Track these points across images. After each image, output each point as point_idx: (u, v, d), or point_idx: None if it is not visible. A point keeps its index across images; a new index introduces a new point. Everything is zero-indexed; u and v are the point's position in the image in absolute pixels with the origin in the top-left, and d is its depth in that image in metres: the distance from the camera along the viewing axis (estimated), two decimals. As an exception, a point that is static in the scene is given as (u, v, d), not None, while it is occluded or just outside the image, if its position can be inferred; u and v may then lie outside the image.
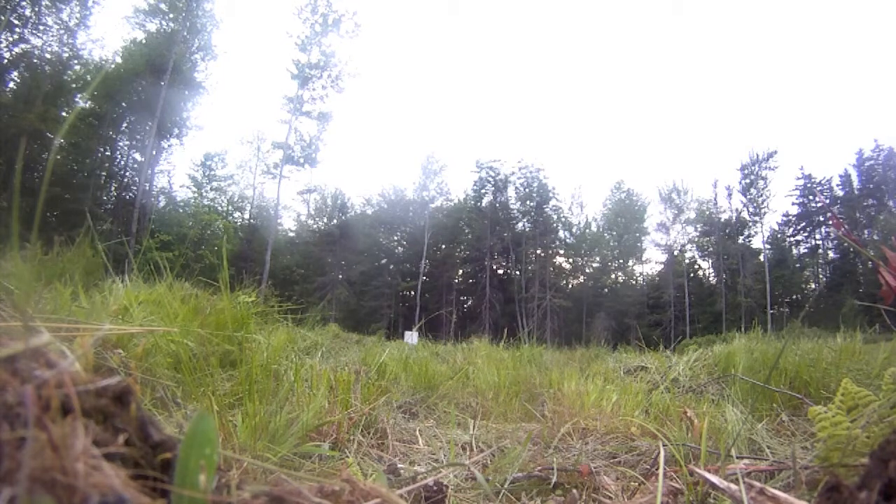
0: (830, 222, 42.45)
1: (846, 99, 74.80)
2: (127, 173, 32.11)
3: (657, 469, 1.27)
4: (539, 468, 1.56)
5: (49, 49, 26.61)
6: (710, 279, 45.45)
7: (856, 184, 41.44)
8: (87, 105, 28.35)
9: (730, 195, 43.65)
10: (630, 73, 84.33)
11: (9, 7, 24.10)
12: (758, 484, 0.87)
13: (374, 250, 45.20)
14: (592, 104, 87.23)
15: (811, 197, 42.90)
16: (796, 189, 43.76)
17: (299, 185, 45.22)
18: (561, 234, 48.76)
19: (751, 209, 42.14)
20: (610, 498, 1.40)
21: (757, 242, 42.96)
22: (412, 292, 44.48)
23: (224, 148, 47.40)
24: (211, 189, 40.34)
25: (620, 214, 47.72)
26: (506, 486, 1.43)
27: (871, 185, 40.00)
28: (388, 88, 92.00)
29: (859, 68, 73.31)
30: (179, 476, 0.47)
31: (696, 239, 46.05)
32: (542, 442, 2.07)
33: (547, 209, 46.82)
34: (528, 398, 3.10)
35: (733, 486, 0.90)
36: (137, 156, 31.97)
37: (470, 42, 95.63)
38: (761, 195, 41.61)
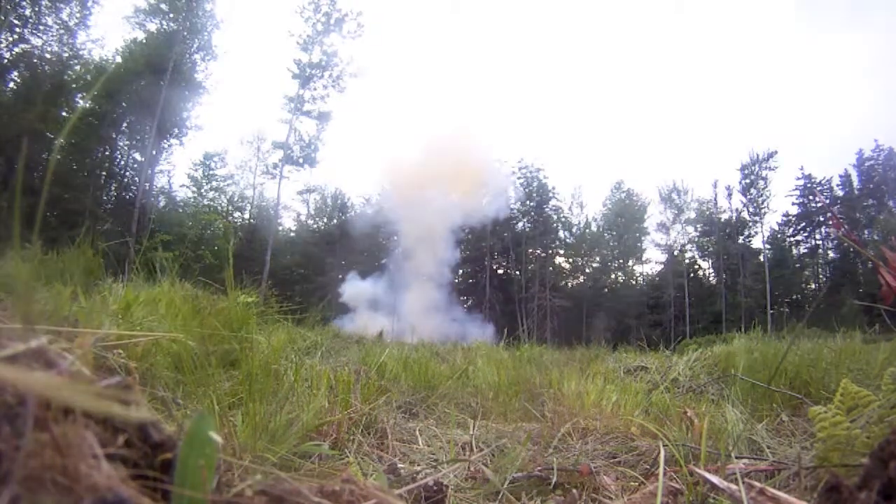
0: (830, 222, 42.39)
1: (846, 99, 74.82)
2: (127, 173, 32.12)
3: (657, 469, 1.27)
4: (539, 468, 1.56)
5: (49, 49, 26.63)
6: (710, 279, 45.45)
7: (856, 184, 41.46)
8: (88, 105, 28.35)
9: (730, 195, 43.63)
10: (630, 73, 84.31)
11: (9, 7, 24.10)
12: (758, 484, 0.87)
13: (374, 250, 45.17)
14: (592, 104, 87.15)
15: (811, 197, 42.87)
16: (796, 189, 43.75)
17: (299, 185, 44.95)
18: (561, 234, 48.73)
19: (751, 209, 42.13)
20: (610, 498, 1.40)
21: (757, 242, 43.00)
22: (412, 292, 44.46)
23: (224, 148, 47.07)
24: (211, 189, 40.30)
25: (620, 214, 47.68)
26: (505, 485, 1.43)
27: (871, 186, 40.01)
28: (388, 88, 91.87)
29: (859, 68, 73.38)
30: (179, 476, 0.47)
31: (696, 239, 46.05)
32: (542, 442, 2.07)
33: (547, 209, 46.80)
34: (528, 398, 3.09)
35: (733, 486, 0.90)
36: (137, 156, 31.98)
37: (470, 42, 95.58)
38: (761, 195, 41.60)
